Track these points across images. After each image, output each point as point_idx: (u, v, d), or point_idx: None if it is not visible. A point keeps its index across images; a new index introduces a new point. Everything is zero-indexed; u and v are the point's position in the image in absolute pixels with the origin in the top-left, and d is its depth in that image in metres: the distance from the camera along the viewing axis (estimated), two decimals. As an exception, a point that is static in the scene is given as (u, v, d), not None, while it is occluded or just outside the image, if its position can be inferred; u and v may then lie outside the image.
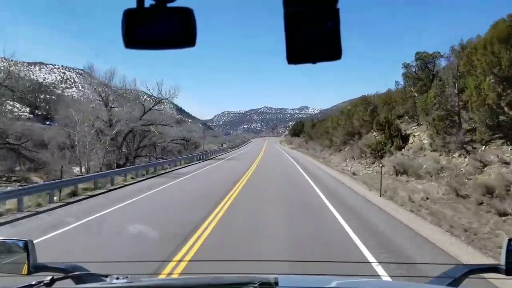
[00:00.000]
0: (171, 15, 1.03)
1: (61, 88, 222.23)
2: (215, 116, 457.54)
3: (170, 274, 5.56)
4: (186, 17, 1.04)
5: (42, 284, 1.50)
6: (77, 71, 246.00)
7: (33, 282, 1.51)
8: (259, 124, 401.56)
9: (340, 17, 0.98)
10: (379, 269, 5.80)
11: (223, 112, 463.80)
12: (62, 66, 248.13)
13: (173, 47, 1.05)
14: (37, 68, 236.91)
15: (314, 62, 1.01)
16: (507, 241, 1.60)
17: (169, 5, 1.03)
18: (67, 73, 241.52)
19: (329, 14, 0.98)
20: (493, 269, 1.66)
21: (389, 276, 5.38)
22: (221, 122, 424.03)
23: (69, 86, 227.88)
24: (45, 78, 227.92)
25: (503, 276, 1.61)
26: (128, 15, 1.03)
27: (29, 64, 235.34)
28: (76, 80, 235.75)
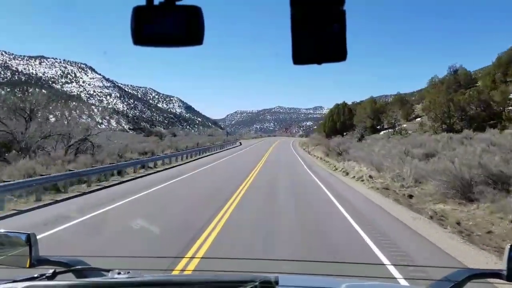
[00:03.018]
0: (179, 13, 1.09)
1: (60, 83, 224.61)
2: (228, 115, 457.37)
3: (171, 270, 5.71)
4: (195, 15, 1.09)
5: (44, 277, 1.58)
6: (79, 65, 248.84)
7: (36, 275, 1.59)
8: (272, 123, 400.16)
9: (346, 18, 1.04)
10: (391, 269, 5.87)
11: (235, 112, 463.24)
12: (63, 60, 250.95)
13: (181, 45, 1.11)
14: (37, 62, 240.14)
15: (319, 63, 1.06)
16: (509, 246, 1.64)
17: (178, 3, 1.09)
18: (69, 67, 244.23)
19: (336, 16, 1.04)
20: (495, 274, 1.70)
21: (388, 278, 5.37)
22: (233, 122, 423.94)
23: (69, 81, 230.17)
24: (44, 72, 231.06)
25: (505, 282, 1.65)
26: (137, 12, 1.09)
27: (30, 58, 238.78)
28: (78, 74, 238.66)
